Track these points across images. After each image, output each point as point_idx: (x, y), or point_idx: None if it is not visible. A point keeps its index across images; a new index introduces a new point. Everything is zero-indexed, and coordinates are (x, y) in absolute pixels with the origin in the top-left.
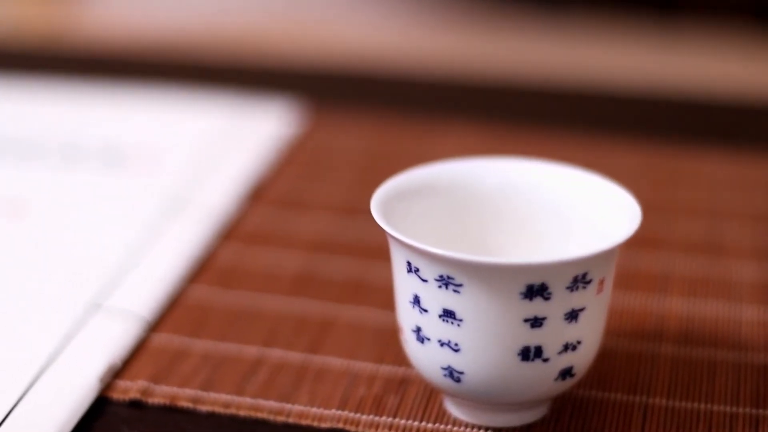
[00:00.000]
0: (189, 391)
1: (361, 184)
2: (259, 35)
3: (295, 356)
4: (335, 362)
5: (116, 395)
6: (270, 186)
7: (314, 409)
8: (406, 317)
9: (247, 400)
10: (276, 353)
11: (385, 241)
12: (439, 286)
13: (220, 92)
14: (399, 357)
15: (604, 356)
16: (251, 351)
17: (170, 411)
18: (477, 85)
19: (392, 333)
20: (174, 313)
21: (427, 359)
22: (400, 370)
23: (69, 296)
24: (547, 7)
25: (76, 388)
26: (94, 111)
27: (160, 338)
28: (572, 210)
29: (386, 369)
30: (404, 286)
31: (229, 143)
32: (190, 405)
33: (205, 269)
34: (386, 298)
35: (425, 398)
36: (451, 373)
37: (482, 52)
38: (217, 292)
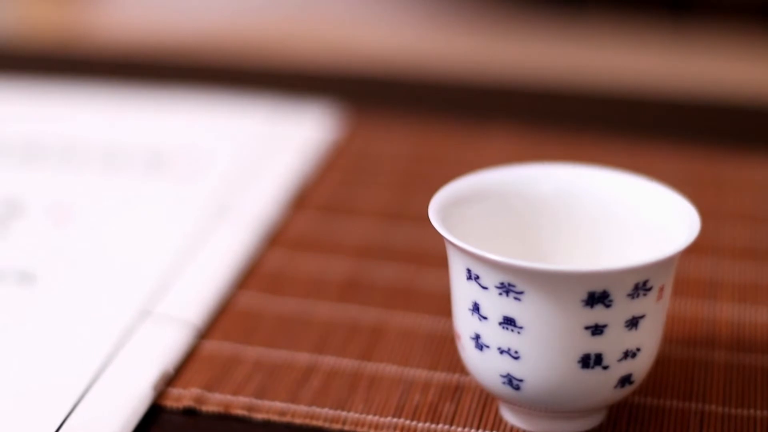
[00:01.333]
0: (243, 399)
1: (404, 189)
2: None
3: (347, 363)
4: (388, 369)
5: (170, 403)
6: (312, 191)
7: (370, 417)
8: (465, 324)
9: (302, 408)
10: (328, 360)
11: (433, 246)
12: (500, 294)
13: (260, 96)
14: (452, 364)
15: (659, 363)
16: (303, 358)
17: (224, 419)
18: (514, 88)
19: (444, 339)
20: (223, 319)
21: (485, 366)
22: (454, 377)
23: (119, 303)
24: (572, 10)
25: (130, 397)
26: (135, 115)
27: (211, 345)
28: (628, 216)
29: (440, 376)
30: (463, 293)
31: (271, 148)
32: (244, 413)
33: (252, 275)
34: (436, 304)
35: (480, 405)
36: (511, 380)
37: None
38: (265, 299)
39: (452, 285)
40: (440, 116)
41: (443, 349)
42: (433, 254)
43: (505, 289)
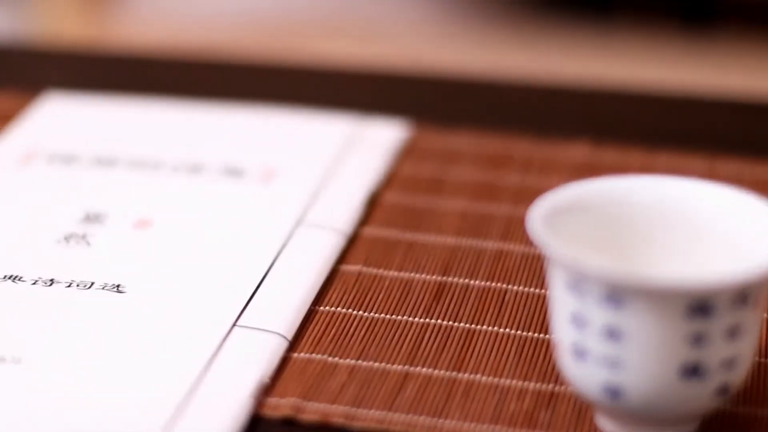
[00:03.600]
0: (340, 408)
1: (480, 199)
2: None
3: (440, 371)
4: (482, 377)
5: (268, 413)
6: (390, 201)
7: (467, 425)
8: (564, 334)
9: (400, 417)
10: (421, 368)
11: (519, 256)
12: (601, 304)
13: (330, 108)
14: (545, 372)
15: (751, 371)
16: (396, 366)
17: (323, 428)
18: (577, 96)
19: (536, 347)
20: (313, 329)
21: (585, 376)
22: (549, 386)
23: (209, 314)
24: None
25: (229, 407)
26: (210, 125)
27: (303, 355)
28: (721, 227)
29: (534, 384)
30: (563, 302)
31: (346, 159)
32: (343, 421)
33: (336, 284)
34: (526, 314)
35: (576, 413)
36: (610, 389)
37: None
38: (352, 308)
39: (551, 295)
40: (505, 126)
41: (535, 357)
42: (519, 264)
43: (607, 299)
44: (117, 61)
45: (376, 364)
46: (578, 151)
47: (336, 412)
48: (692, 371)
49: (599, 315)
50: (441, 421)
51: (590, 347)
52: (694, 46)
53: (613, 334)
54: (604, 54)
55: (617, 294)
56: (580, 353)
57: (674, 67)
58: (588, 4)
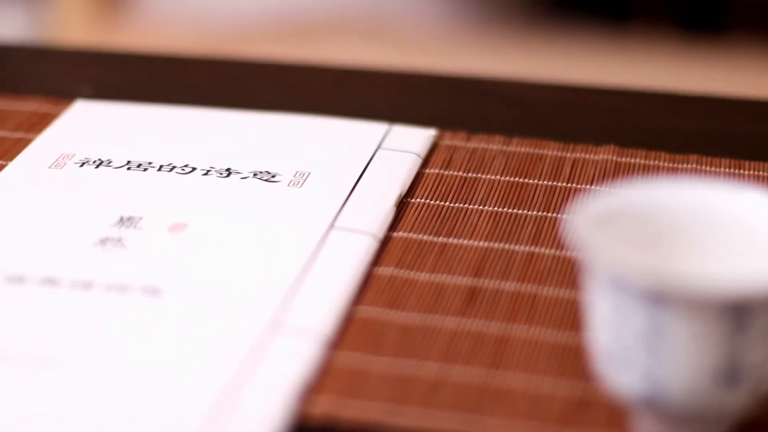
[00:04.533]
0: (380, 408)
1: (510, 203)
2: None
3: (475, 373)
4: (516, 380)
5: (308, 413)
6: (419, 206)
7: (502, 424)
8: (601, 336)
9: (438, 414)
10: (457, 370)
11: (550, 259)
12: (641, 308)
13: (354, 112)
14: (580, 373)
15: None
16: (432, 367)
17: (364, 428)
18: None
19: (569, 349)
20: (350, 329)
21: (622, 378)
22: (583, 387)
23: (246, 315)
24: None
25: (270, 407)
26: (241, 131)
27: (341, 356)
28: (755, 230)
29: (568, 385)
30: (601, 306)
31: (375, 163)
32: (382, 419)
33: (370, 287)
34: (559, 316)
35: (610, 415)
36: (647, 391)
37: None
38: (386, 308)
39: (589, 298)
40: (531, 130)
41: (569, 360)
42: (553, 268)
43: (647, 303)
44: (139, 64)
45: (412, 364)
46: (605, 155)
47: (376, 412)
48: (730, 372)
49: (639, 317)
50: (478, 417)
51: (628, 349)
52: (707, 52)
53: (652, 336)
54: (617, 59)
55: (658, 296)
56: (617, 355)
57: (688, 71)
58: (601, 9)
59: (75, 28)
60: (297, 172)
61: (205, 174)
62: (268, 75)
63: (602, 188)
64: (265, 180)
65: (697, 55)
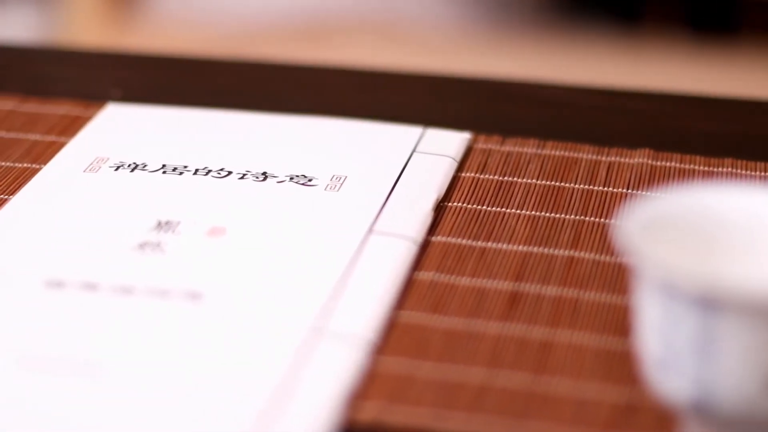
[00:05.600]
0: (427, 413)
1: (547, 207)
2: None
3: (521, 378)
4: (562, 385)
5: (355, 419)
6: (456, 210)
7: (549, 429)
8: (651, 341)
9: (484, 418)
10: (502, 375)
11: (590, 263)
12: (692, 313)
13: (385, 115)
14: (625, 378)
15: None
16: (478, 372)
17: (410, 431)
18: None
19: (614, 356)
20: (393, 334)
21: (672, 384)
22: (629, 392)
23: (289, 320)
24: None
25: (315, 414)
26: (275, 134)
27: (386, 360)
28: None
29: (614, 392)
30: (651, 311)
31: (411, 167)
32: (431, 427)
33: (411, 291)
34: (602, 320)
35: (657, 420)
36: (697, 398)
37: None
38: (429, 313)
39: (639, 304)
40: (564, 133)
41: (614, 364)
42: (595, 273)
43: (699, 309)
44: (164, 66)
45: (458, 369)
46: (640, 159)
47: (423, 417)
48: None
49: (690, 323)
50: (524, 423)
51: (678, 355)
52: (718, 52)
53: (703, 341)
54: (628, 60)
55: (709, 301)
56: (667, 361)
57: (699, 72)
58: (612, 10)
59: (86, 30)
60: (333, 176)
61: (242, 178)
62: (296, 77)
63: (639, 192)
64: (302, 184)
65: (709, 56)
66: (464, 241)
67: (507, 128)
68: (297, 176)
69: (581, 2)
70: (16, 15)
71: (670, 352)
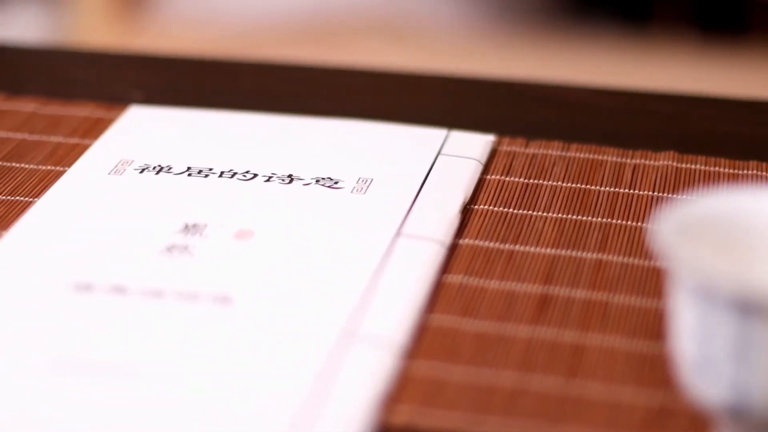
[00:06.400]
0: (461, 417)
1: (574, 209)
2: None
3: (553, 382)
4: (595, 388)
5: (389, 423)
6: (483, 213)
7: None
8: (688, 346)
9: (520, 425)
10: (535, 378)
11: (619, 266)
12: (729, 317)
13: (409, 120)
14: (658, 382)
15: None
16: (510, 376)
17: None
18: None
19: (646, 359)
20: (424, 338)
21: (708, 388)
22: (663, 397)
23: (320, 323)
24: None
25: (351, 418)
26: (299, 137)
27: (418, 364)
28: None
29: (648, 395)
30: (688, 316)
31: (437, 170)
32: (464, 428)
33: (441, 294)
34: (632, 324)
35: (692, 425)
36: (734, 402)
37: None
38: (459, 317)
39: (674, 308)
40: (586, 137)
41: (646, 367)
42: (622, 275)
43: (736, 313)
44: (183, 67)
45: (490, 373)
46: (665, 161)
47: (458, 421)
48: None
49: (727, 327)
50: (559, 427)
51: (715, 359)
52: (727, 52)
53: (740, 345)
54: (636, 60)
55: (747, 305)
56: (703, 365)
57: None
58: (620, 10)
59: (93, 30)
60: (359, 179)
61: (267, 180)
62: (314, 79)
63: (665, 195)
64: (328, 186)
65: (718, 56)
66: (492, 244)
67: (530, 130)
68: (323, 179)
69: (589, 3)
70: (22, 15)
71: (706, 356)
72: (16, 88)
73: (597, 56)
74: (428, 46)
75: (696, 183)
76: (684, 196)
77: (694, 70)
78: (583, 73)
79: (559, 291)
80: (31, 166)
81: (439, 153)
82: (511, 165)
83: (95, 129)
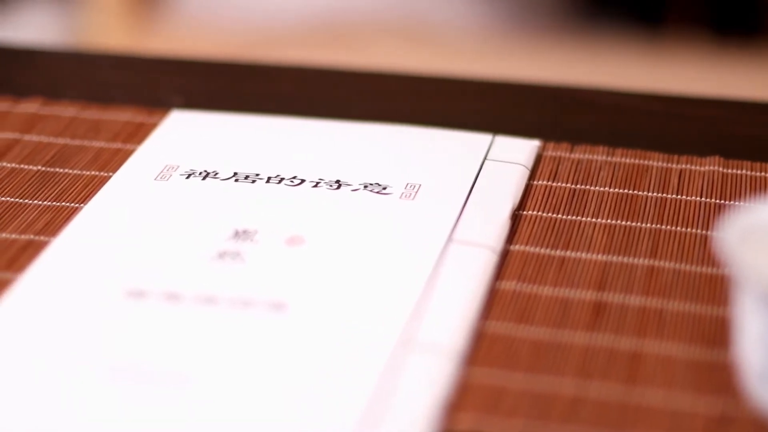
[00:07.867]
0: (522, 425)
1: (623, 215)
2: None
3: (612, 389)
4: (655, 396)
5: (451, 431)
6: (532, 219)
7: None
8: (754, 355)
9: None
10: (594, 386)
11: (671, 272)
12: None
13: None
14: (719, 390)
15: None
16: (569, 383)
17: None
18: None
19: (705, 366)
20: (482, 345)
21: None
22: (723, 404)
23: (376, 330)
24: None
25: (414, 426)
26: (345, 142)
27: (478, 371)
28: None
29: (708, 403)
30: (753, 323)
31: (484, 175)
32: None
33: (495, 300)
34: (689, 331)
35: None
36: None
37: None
38: (515, 323)
39: (739, 316)
40: (629, 142)
41: (706, 375)
42: (676, 282)
43: None
44: (219, 71)
45: (549, 380)
46: (711, 166)
47: (518, 426)
48: None
49: None
50: None
51: None
52: (740, 54)
53: None
54: (649, 61)
55: None
56: None
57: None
58: (633, 12)
59: (107, 32)
60: (408, 184)
61: (315, 186)
62: (353, 83)
63: (712, 200)
64: (377, 192)
65: (732, 58)
66: (543, 250)
67: (574, 135)
68: (371, 184)
69: (603, 4)
70: (35, 17)
71: None
72: (54, 93)
73: (610, 57)
74: (445, 48)
75: (743, 188)
76: (732, 202)
77: (707, 72)
78: (596, 75)
79: (614, 297)
80: (75, 171)
81: (485, 158)
82: (557, 170)
83: (137, 134)
